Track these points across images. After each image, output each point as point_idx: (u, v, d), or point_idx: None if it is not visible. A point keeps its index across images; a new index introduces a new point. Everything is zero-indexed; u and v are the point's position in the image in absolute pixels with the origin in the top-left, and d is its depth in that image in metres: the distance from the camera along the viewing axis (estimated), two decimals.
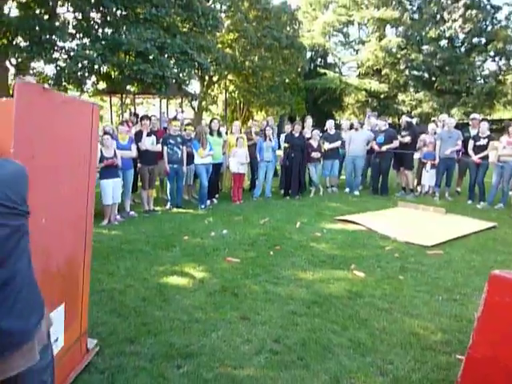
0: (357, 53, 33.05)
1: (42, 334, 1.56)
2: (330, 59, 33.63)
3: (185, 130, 7.95)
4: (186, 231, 6.04)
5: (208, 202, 7.92)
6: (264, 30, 21.14)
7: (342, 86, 29.07)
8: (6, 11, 13.07)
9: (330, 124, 9.84)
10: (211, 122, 8.41)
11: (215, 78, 22.49)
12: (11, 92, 13.90)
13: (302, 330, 3.26)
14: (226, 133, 9.11)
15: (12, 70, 14.80)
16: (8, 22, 12.05)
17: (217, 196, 8.53)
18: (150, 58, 12.40)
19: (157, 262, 4.78)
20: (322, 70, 29.79)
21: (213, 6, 16.99)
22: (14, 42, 12.53)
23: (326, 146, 9.39)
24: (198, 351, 2.95)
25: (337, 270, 4.57)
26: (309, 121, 10.20)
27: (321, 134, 9.52)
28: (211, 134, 8.00)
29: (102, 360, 2.87)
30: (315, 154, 8.95)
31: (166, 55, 13.13)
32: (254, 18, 21.79)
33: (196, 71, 15.30)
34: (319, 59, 33.28)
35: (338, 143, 9.50)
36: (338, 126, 11.50)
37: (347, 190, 9.75)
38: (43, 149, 2.08)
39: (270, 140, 8.58)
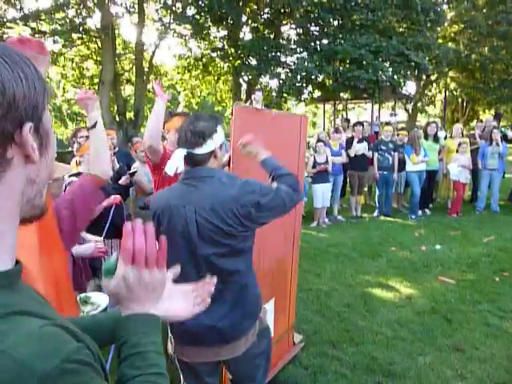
0: None
1: (253, 332, 1.81)
2: None
3: (397, 134, 7.62)
4: (394, 242, 5.79)
5: (419, 212, 7.37)
6: (498, 15, 18.21)
7: None
8: (241, 36, 15.43)
9: None
10: (427, 125, 7.78)
11: (433, 77, 20.71)
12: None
13: None
14: (445, 137, 8.24)
15: (244, 86, 17.38)
16: (243, 46, 14.18)
17: (430, 206, 7.85)
18: (364, 63, 12.41)
19: (362, 269, 4.75)
20: None
21: None
22: (247, 62, 14.62)
23: None
24: (402, 373, 2.79)
25: None
26: None
27: None
28: (426, 138, 7.42)
29: (307, 356, 3.05)
30: None
31: (380, 59, 12.90)
32: (483, 5, 19.05)
33: (412, 72, 14.45)
34: None
35: None
36: None
37: None
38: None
39: (497, 144, 7.30)
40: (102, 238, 2.91)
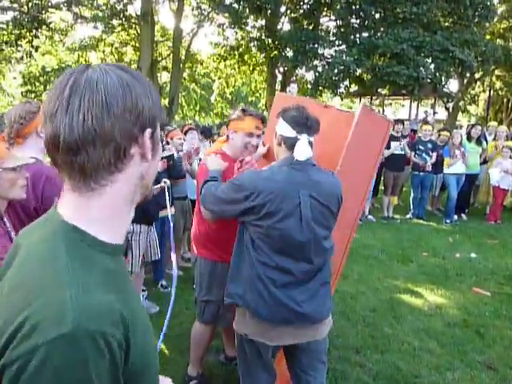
0: None
1: (329, 319, 1.96)
2: None
3: (439, 135, 7.31)
4: (426, 246, 5.58)
5: (455, 216, 7.07)
6: None
7: None
8: (279, 26, 15.21)
9: None
10: (472, 127, 7.41)
11: (478, 75, 19.78)
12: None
13: None
14: (486, 140, 7.79)
15: (279, 77, 17.19)
16: (280, 36, 13.98)
17: (466, 211, 7.51)
18: (405, 58, 11.97)
19: (391, 273, 4.60)
20: None
21: None
22: (283, 53, 14.42)
23: None
24: None
25: None
26: None
27: None
28: (469, 139, 7.08)
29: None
30: None
31: (422, 54, 12.41)
32: None
33: (456, 69, 13.83)
34: None
35: None
36: None
37: None
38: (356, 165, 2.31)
39: None
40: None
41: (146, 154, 0.70)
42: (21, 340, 0.55)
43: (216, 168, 2.15)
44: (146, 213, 3.21)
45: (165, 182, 3.25)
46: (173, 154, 3.85)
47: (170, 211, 3.00)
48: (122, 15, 13.99)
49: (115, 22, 14.39)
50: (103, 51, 17.12)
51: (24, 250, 0.69)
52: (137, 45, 15.65)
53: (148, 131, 0.69)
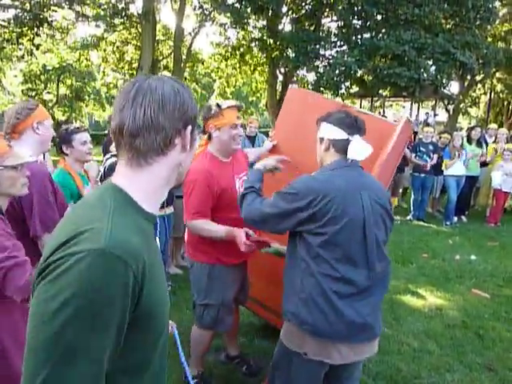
0: None
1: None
2: None
3: (440, 137, 7.31)
4: (426, 248, 5.58)
5: (455, 218, 7.07)
6: None
7: None
8: (280, 27, 15.23)
9: None
10: (472, 129, 7.42)
11: (479, 77, 19.80)
12: (277, 97, 16.18)
13: None
14: (486, 143, 7.81)
15: (280, 78, 17.20)
16: (282, 37, 13.99)
17: (466, 213, 7.52)
18: (407, 60, 11.98)
19: (391, 274, 4.60)
20: None
21: None
22: (285, 54, 14.43)
23: None
24: None
25: None
26: None
27: None
28: (469, 142, 7.09)
29: None
30: None
31: (423, 56, 12.42)
32: None
33: (457, 71, 13.84)
34: None
35: None
36: None
37: None
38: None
39: None
40: None
41: (186, 145, 0.88)
42: (64, 248, 0.72)
43: (255, 177, 2.01)
44: None
45: None
46: None
47: (166, 210, 3.00)
48: (123, 14, 14.00)
49: (117, 20, 14.40)
50: (104, 50, 17.12)
51: (80, 200, 0.93)
52: (138, 44, 15.66)
53: (189, 127, 0.88)
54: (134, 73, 14.49)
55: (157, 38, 15.62)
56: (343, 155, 1.75)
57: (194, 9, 15.68)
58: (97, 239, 0.72)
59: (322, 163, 1.85)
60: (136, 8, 14.33)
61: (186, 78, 18.75)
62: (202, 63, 19.19)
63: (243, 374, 2.76)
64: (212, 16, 15.47)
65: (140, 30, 14.42)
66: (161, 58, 17.21)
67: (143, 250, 0.77)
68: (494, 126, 8.58)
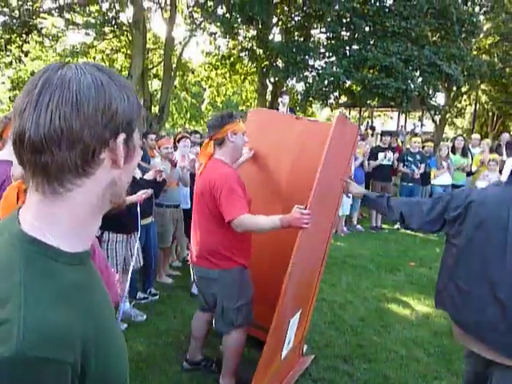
0: None
1: None
2: None
3: (423, 147, 7.43)
4: (414, 256, 5.64)
5: None
6: None
7: None
8: (270, 37, 15.39)
9: None
10: (455, 139, 7.58)
11: (464, 89, 20.23)
12: (267, 106, 16.29)
13: None
14: (471, 152, 7.94)
15: (270, 87, 17.33)
16: (271, 47, 14.13)
17: None
18: (394, 71, 12.20)
19: (379, 283, 4.64)
20: None
21: (470, 9, 15.32)
22: (274, 64, 14.57)
23: None
24: None
25: None
26: None
27: None
28: (453, 152, 7.22)
29: (317, 369, 2.97)
30: None
31: (410, 68, 12.66)
32: None
33: (443, 83, 14.11)
34: None
35: None
36: None
37: None
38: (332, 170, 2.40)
39: None
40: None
41: (118, 161, 0.65)
42: None
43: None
44: (123, 223, 3.08)
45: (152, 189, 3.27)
46: (164, 168, 3.62)
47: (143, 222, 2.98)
48: (113, 22, 14.03)
49: (107, 28, 14.41)
50: (94, 58, 17.08)
51: None
52: (128, 52, 15.66)
53: (121, 136, 0.64)
54: None
55: (147, 47, 15.65)
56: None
57: (185, 18, 15.79)
58: (5, 341, 0.53)
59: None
60: (126, 16, 14.37)
61: (176, 87, 18.78)
62: (193, 72, 19.25)
63: (213, 371, 2.77)
64: (202, 25, 15.58)
65: (130, 38, 14.44)
66: (151, 66, 17.21)
67: (80, 322, 0.60)
68: (476, 136, 8.73)
